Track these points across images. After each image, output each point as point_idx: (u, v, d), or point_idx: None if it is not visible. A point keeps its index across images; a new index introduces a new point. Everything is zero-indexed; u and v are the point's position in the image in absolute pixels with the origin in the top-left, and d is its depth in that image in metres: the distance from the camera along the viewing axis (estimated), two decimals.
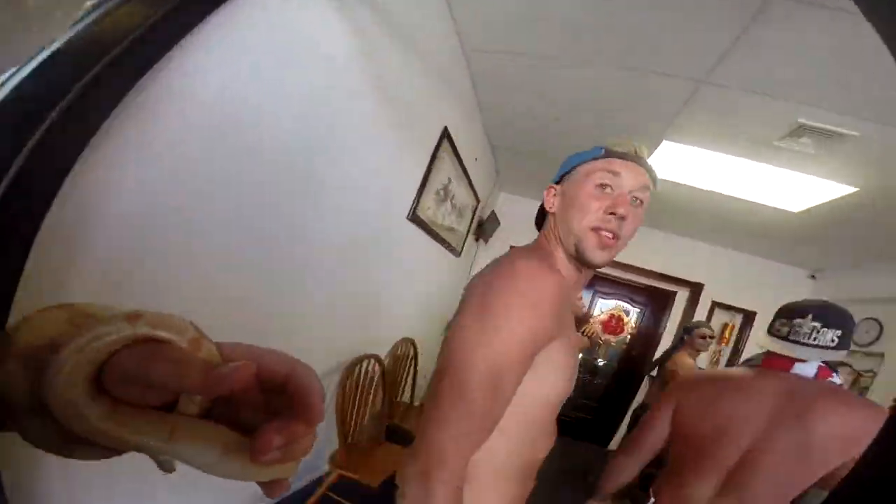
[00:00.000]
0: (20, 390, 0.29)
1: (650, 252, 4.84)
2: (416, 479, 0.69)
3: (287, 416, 0.29)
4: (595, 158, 0.91)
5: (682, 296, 4.95)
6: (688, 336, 3.39)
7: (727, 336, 4.82)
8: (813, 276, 4.82)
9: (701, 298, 4.87)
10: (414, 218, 2.69)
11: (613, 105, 2.82)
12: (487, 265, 0.85)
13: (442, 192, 3.15)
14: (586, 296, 5.14)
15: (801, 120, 2.41)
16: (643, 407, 3.44)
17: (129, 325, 0.28)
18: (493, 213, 4.64)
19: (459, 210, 3.75)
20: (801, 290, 4.82)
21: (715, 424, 1.23)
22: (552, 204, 0.95)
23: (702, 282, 4.89)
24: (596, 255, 0.86)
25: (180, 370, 0.27)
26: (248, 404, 0.31)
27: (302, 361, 0.31)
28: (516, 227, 5.11)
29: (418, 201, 2.67)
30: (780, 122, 2.49)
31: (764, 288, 4.79)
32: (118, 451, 0.30)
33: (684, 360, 3.30)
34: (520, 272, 0.77)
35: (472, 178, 3.72)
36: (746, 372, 1.30)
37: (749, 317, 4.85)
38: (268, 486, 0.31)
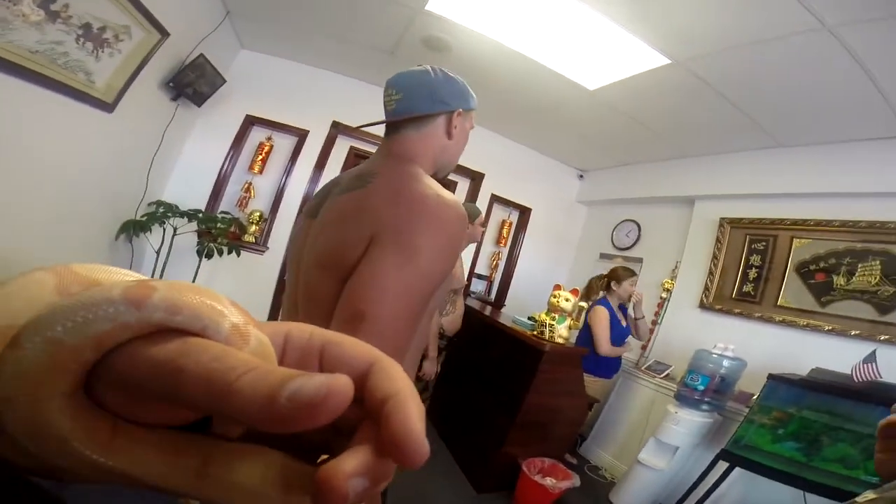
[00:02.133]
0: None
1: None
2: None
3: (364, 437, 0.17)
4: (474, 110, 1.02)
5: (462, 186, 4.24)
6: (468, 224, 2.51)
7: (505, 235, 4.37)
8: (581, 176, 4.65)
9: (481, 190, 4.25)
10: None
11: None
12: (406, 184, 0.82)
13: None
14: None
15: None
16: None
17: (132, 309, 0.17)
18: (202, 58, 2.91)
19: (91, 31, 2.07)
20: (570, 189, 4.64)
21: None
22: (453, 133, 0.96)
23: (483, 171, 4.23)
24: None
25: (224, 390, 0.15)
26: None
27: (386, 356, 0.20)
28: (260, 92, 3.63)
29: None
30: None
31: (538, 184, 4.45)
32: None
33: None
34: (457, 208, 0.81)
35: None
36: None
37: (525, 213, 4.46)
38: None
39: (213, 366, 0.16)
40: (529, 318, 2.66)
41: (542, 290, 3.30)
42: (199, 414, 0.19)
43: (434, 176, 0.92)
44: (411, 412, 0.17)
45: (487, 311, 3.36)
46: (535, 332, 2.50)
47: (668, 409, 2.68)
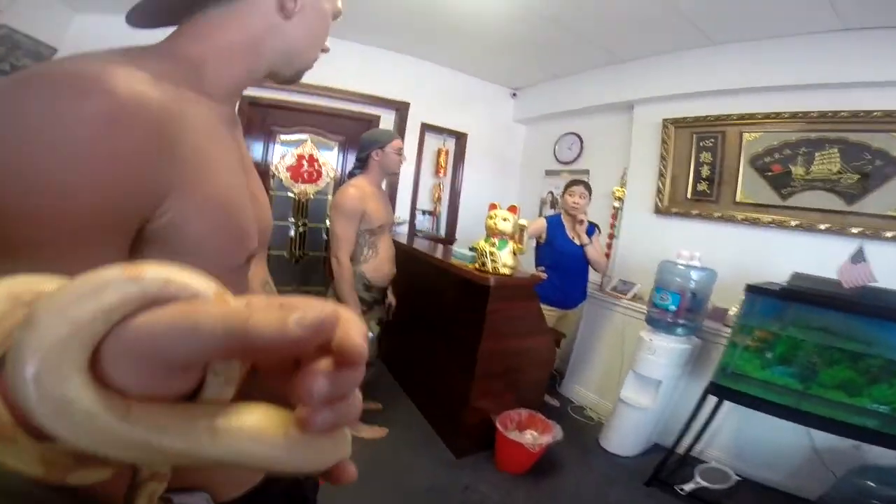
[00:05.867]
0: None
1: (340, 70, 3.24)
2: None
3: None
4: None
5: (387, 119, 3.60)
6: (377, 152, 2.03)
7: (443, 164, 3.82)
8: (514, 94, 4.11)
9: (409, 121, 3.63)
10: None
11: None
12: None
13: None
14: (254, 141, 3.34)
15: None
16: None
17: (132, 282, 0.18)
18: (6, 29, 2.35)
19: None
20: (504, 108, 4.10)
21: None
22: (291, 7, 0.56)
23: (407, 101, 3.61)
24: None
25: (242, 328, 0.17)
26: (278, 371, 0.21)
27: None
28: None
29: None
30: None
31: (470, 107, 3.90)
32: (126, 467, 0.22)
33: (346, 190, 1.99)
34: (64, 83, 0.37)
35: None
36: None
37: (461, 139, 3.91)
38: (332, 473, 0.22)
39: (224, 312, 0.17)
40: (471, 250, 2.18)
41: None
42: (219, 356, 0.19)
43: (277, 76, 0.61)
44: (350, 327, 0.18)
45: (424, 247, 2.87)
46: (476, 265, 2.05)
47: (642, 337, 2.33)
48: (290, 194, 3.38)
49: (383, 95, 3.49)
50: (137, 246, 0.41)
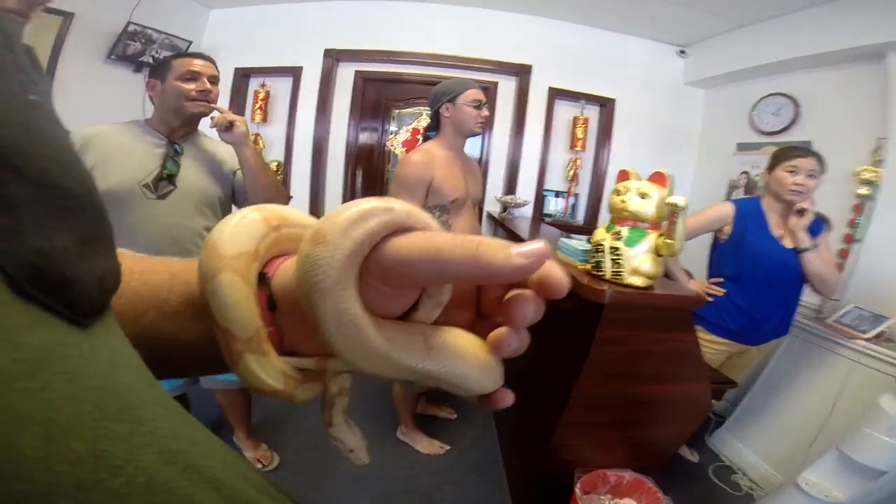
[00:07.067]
0: (244, 313, 0.22)
1: (451, 36, 2.89)
2: None
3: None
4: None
5: (506, 87, 2.96)
6: (446, 107, 1.52)
7: (580, 136, 2.96)
8: (682, 52, 3.04)
9: (532, 86, 2.92)
10: None
11: None
12: None
13: None
14: (371, 121, 3.14)
15: None
16: None
17: (387, 213, 0.20)
18: (134, 25, 2.66)
19: None
20: (669, 69, 3.06)
21: None
22: None
23: (529, 63, 2.91)
24: None
25: (474, 255, 0.18)
26: (461, 301, 0.24)
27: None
28: (247, 44, 3.13)
29: None
30: None
31: (620, 69, 3.01)
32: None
33: (409, 156, 1.55)
34: None
35: None
36: None
37: (607, 106, 2.99)
38: (495, 396, 0.24)
39: (458, 240, 0.18)
40: (589, 242, 1.39)
41: None
42: (451, 279, 0.21)
43: None
44: (552, 264, 0.19)
45: (546, 234, 2.13)
46: (590, 267, 1.27)
47: (881, 406, 1.27)
48: None
49: (500, 59, 2.90)
50: None
